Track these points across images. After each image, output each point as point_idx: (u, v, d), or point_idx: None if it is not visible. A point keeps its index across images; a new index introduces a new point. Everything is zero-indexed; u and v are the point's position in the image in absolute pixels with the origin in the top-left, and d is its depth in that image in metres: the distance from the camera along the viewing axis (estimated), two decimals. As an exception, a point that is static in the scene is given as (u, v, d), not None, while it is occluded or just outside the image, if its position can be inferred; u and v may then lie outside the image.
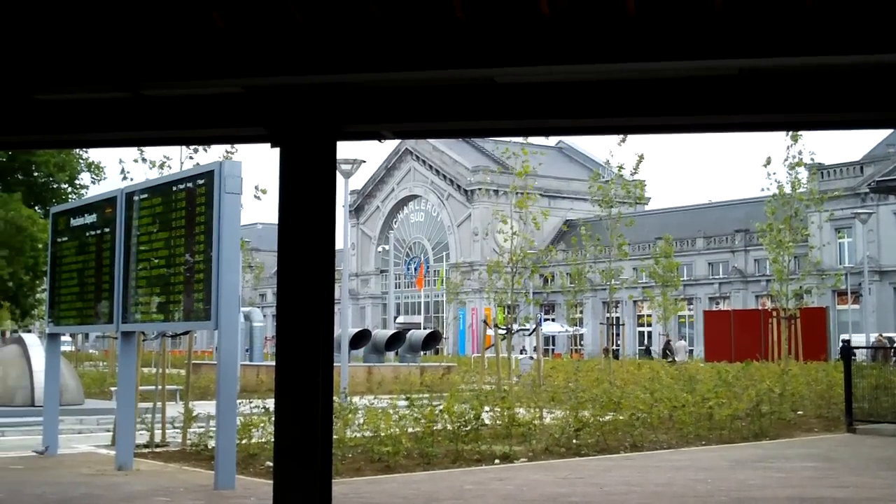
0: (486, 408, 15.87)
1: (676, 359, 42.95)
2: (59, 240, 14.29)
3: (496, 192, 73.28)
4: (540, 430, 15.53)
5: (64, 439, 14.85)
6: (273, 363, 25.47)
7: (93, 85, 5.86)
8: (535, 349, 29.45)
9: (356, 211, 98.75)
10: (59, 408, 14.83)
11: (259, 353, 37.08)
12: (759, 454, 14.49)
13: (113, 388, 21.29)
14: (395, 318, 78.22)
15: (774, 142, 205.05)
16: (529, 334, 28.25)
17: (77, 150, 38.70)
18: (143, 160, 16.21)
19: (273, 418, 6.38)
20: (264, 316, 48.81)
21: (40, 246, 36.96)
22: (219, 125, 6.56)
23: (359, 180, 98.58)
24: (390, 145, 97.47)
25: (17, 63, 5.74)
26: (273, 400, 6.13)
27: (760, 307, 59.51)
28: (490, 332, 29.02)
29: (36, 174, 42.11)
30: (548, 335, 68.25)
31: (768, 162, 25.99)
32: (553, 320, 75.23)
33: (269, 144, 6.37)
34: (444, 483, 11.66)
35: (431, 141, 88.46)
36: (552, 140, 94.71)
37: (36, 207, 40.45)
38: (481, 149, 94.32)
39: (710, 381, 22.12)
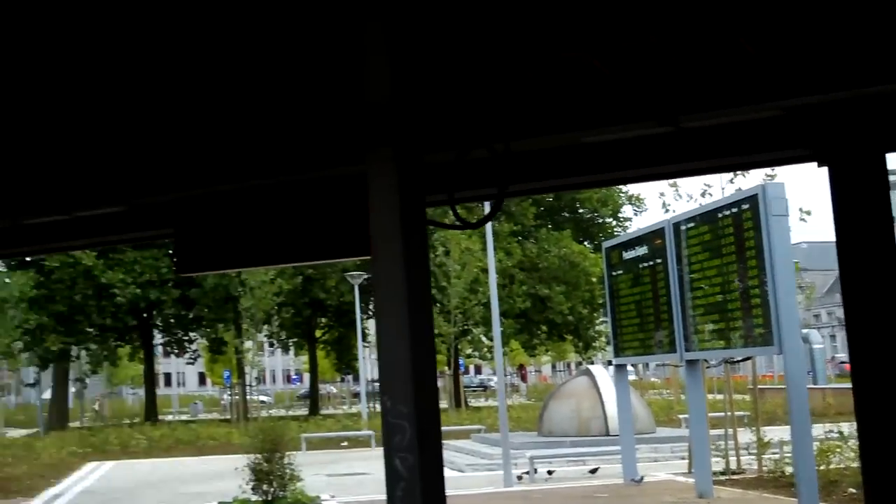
0: None
1: None
2: (613, 273, 15.00)
3: None
4: None
5: (641, 467, 15.44)
6: (839, 385, 24.40)
7: (638, 122, 6.15)
8: None
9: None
10: (634, 436, 15.47)
11: (822, 375, 35.70)
12: None
13: (681, 416, 21.77)
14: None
15: None
16: None
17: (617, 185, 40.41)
18: (678, 196, 16.54)
19: (857, 443, 6.20)
20: (822, 337, 47.05)
21: (594, 279, 38.99)
22: (757, 150, 6.57)
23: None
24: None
25: (565, 106, 6.18)
26: (848, 424, 5.97)
27: None
28: None
29: (581, 210, 44.59)
30: None
31: None
32: None
33: (813, 164, 6.27)
34: None
35: None
36: None
37: (585, 242, 42.74)
38: None
39: None
